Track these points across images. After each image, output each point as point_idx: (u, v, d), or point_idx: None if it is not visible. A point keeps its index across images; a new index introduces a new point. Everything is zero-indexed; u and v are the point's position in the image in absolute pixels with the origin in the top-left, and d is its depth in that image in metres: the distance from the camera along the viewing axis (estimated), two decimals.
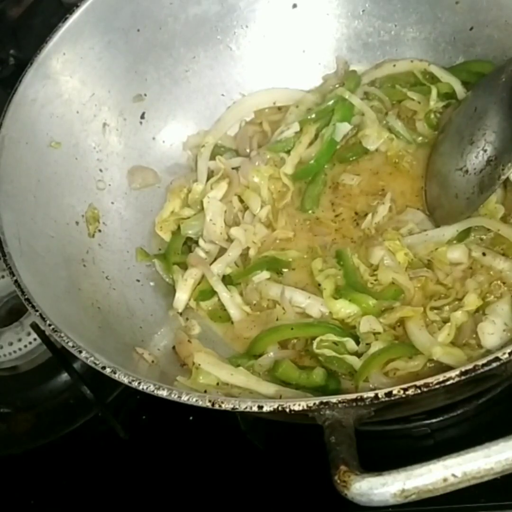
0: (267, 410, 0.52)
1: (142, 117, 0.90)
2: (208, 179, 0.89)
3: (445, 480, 0.46)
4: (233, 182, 0.86)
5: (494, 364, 0.51)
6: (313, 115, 0.89)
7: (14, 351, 0.88)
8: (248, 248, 0.82)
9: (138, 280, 0.83)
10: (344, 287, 0.76)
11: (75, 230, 0.80)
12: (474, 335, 0.69)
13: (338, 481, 0.48)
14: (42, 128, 0.80)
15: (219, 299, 0.80)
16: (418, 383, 0.50)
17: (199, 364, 0.71)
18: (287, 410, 0.52)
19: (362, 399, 0.51)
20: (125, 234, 0.85)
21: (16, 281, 0.65)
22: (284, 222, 0.84)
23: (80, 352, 0.60)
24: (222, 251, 0.83)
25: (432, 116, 0.86)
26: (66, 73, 0.82)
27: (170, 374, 0.72)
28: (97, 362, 0.59)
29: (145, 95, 0.90)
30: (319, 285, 0.77)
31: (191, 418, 0.80)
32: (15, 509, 0.84)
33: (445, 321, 0.71)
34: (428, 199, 0.80)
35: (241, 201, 0.86)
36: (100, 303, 0.76)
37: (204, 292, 0.80)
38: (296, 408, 0.52)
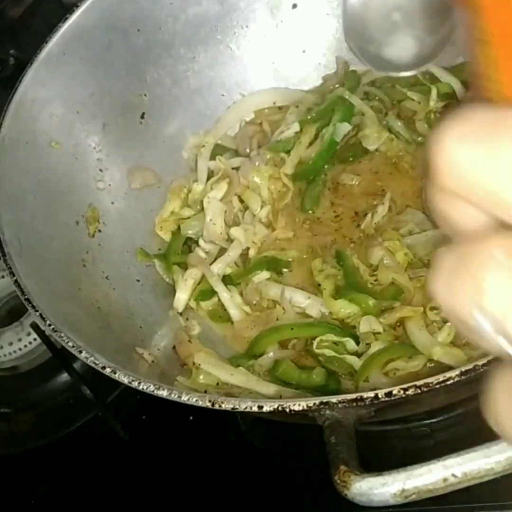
0: (267, 410, 0.52)
1: (142, 117, 0.90)
2: (208, 179, 0.89)
3: (445, 480, 0.46)
4: (233, 182, 0.86)
5: (494, 364, 0.51)
6: (313, 115, 0.89)
7: (14, 351, 0.88)
8: (248, 248, 0.82)
9: (138, 280, 0.83)
10: (344, 287, 0.76)
11: (75, 230, 0.80)
12: None
13: (338, 481, 0.48)
14: (42, 128, 0.80)
15: (219, 299, 0.80)
16: (418, 383, 0.50)
17: (199, 364, 0.71)
18: (287, 410, 0.52)
19: (362, 399, 0.51)
20: (125, 234, 0.85)
21: (16, 281, 0.65)
22: (284, 222, 0.84)
23: (80, 352, 0.60)
24: (222, 251, 0.83)
25: (432, 116, 0.86)
26: (66, 73, 0.82)
27: (170, 374, 0.72)
28: (97, 362, 0.59)
29: (145, 95, 0.90)
30: (319, 285, 0.77)
31: (191, 418, 0.80)
32: (15, 509, 0.84)
33: (445, 321, 0.70)
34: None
35: (241, 201, 0.86)
36: (100, 303, 0.76)
37: (204, 292, 0.80)
38: (296, 408, 0.52)
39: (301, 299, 0.76)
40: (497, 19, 0.27)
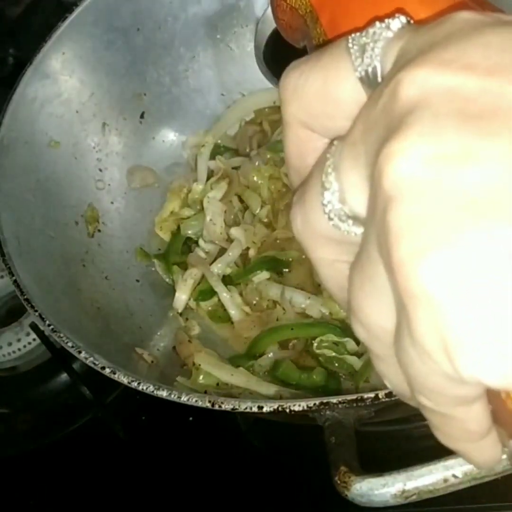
0: (267, 410, 0.52)
1: (142, 116, 0.90)
2: (208, 179, 0.88)
3: (445, 480, 0.46)
4: (233, 182, 0.86)
5: None
6: None
7: (13, 352, 0.88)
8: (248, 248, 0.82)
9: (137, 280, 0.83)
10: None
11: (75, 230, 0.80)
12: None
13: (339, 481, 0.48)
14: (41, 128, 0.79)
15: (219, 299, 0.79)
16: None
17: (199, 365, 0.71)
18: (287, 410, 0.52)
19: (362, 399, 0.51)
20: (124, 234, 0.85)
21: (15, 281, 0.65)
22: (284, 222, 0.84)
23: (80, 352, 0.60)
24: (222, 251, 0.83)
25: None
26: (66, 73, 0.82)
27: (170, 374, 0.72)
28: (97, 362, 0.59)
29: (145, 94, 0.90)
30: (319, 285, 0.76)
31: (191, 418, 0.80)
32: (15, 510, 0.84)
33: None
34: None
35: (241, 201, 0.86)
36: (100, 303, 0.75)
37: (204, 292, 0.80)
38: (296, 408, 0.52)
39: (301, 299, 0.76)
40: None
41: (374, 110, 0.25)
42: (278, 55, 0.69)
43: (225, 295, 0.79)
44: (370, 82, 0.27)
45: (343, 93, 0.28)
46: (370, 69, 0.27)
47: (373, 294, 0.25)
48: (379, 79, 0.27)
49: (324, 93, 0.28)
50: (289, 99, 0.30)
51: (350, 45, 0.28)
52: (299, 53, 0.52)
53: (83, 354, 0.59)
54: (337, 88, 0.28)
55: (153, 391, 0.56)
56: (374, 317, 0.25)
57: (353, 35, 0.28)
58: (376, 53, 0.27)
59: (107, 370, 0.58)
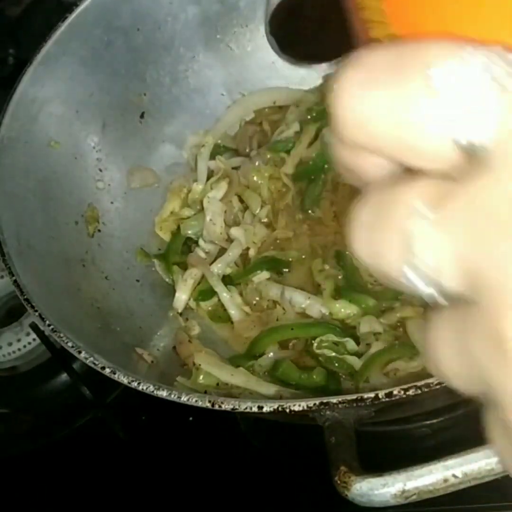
0: (267, 410, 0.52)
1: (142, 116, 0.90)
2: (208, 179, 0.88)
3: (445, 480, 0.46)
4: (233, 182, 0.86)
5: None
6: (314, 115, 0.89)
7: (13, 352, 0.88)
8: (248, 248, 0.82)
9: (137, 280, 0.83)
10: (344, 288, 0.75)
11: (75, 230, 0.80)
12: None
13: (339, 482, 0.48)
14: (41, 128, 0.79)
15: (219, 299, 0.79)
16: (418, 383, 0.50)
17: (200, 364, 0.71)
18: (287, 410, 0.52)
19: (362, 399, 0.51)
20: (124, 234, 0.85)
21: (15, 281, 0.65)
22: (284, 222, 0.84)
23: (80, 352, 0.60)
24: (222, 251, 0.83)
25: None
26: (66, 73, 0.82)
27: (170, 374, 0.72)
28: (97, 362, 0.59)
29: (145, 94, 0.90)
30: (319, 285, 0.76)
31: (191, 418, 0.80)
32: (15, 510, 0.84)
33: None
34: None
35: (241, 201, 0.86)
36: (100, 303, 0.76)
37: (204, 292, 0.80)
38: (296, 408, 0.52)
39: (301, 300, 0.76)
40: None
41: (483, 208, 0.21)
42: (287, 26, 0.67)
43: (225, 295, 0.79)
44: (464, 147, 0.22)
45: (426, 144, 0.23)
46: None
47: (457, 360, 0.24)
48: (477, 144, 0.22)
49: (399, 134, 0.23)
50: (348, 122, 0.24)
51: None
52: (309, 27, 0.50)
53: (83, 354, 0.59)
54: (418, 135, 0.22)
55: (153, 391, 0.56)
56: (454, 371, 0.24)
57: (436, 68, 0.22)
58: None
59: (107, 370, 0.58)
